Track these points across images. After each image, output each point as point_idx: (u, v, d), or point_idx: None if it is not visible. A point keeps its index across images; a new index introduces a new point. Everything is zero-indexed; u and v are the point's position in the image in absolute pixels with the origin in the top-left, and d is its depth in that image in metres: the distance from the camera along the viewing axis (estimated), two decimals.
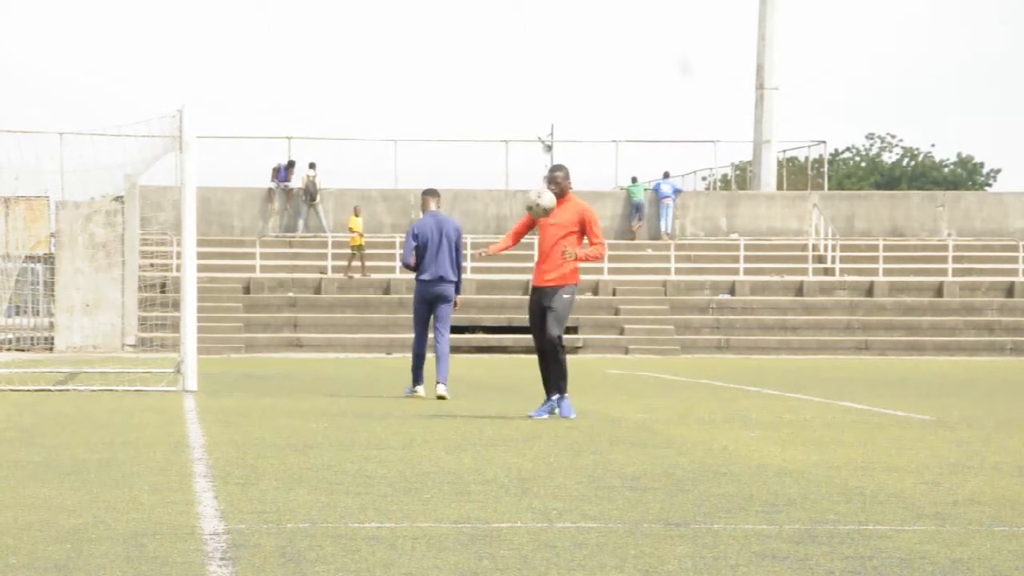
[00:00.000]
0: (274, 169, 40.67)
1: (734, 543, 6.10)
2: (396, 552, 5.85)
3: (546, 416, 12.71)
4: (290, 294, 36.72)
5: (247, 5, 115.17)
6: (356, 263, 37.61)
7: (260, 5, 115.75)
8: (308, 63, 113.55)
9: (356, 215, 38.11)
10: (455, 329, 35.49)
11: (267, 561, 5.64)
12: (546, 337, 12.54)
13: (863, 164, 77.41)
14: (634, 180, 41.62)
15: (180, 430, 11.64)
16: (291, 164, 40.57)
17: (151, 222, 36.83)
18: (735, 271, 38.26)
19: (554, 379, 12.72)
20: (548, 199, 12.48)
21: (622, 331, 35.71)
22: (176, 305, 19.14)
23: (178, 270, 22.85)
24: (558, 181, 12.61)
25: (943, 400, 16.95)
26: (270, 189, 40.55)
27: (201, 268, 24.34)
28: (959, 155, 77.27)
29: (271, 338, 34.83)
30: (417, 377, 16.06)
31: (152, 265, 36.47)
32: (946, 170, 76.36)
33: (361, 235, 37.68)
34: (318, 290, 37.06)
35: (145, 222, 36.19)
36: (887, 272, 38.01)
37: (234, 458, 9.35)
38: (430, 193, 16.15)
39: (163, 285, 34.12)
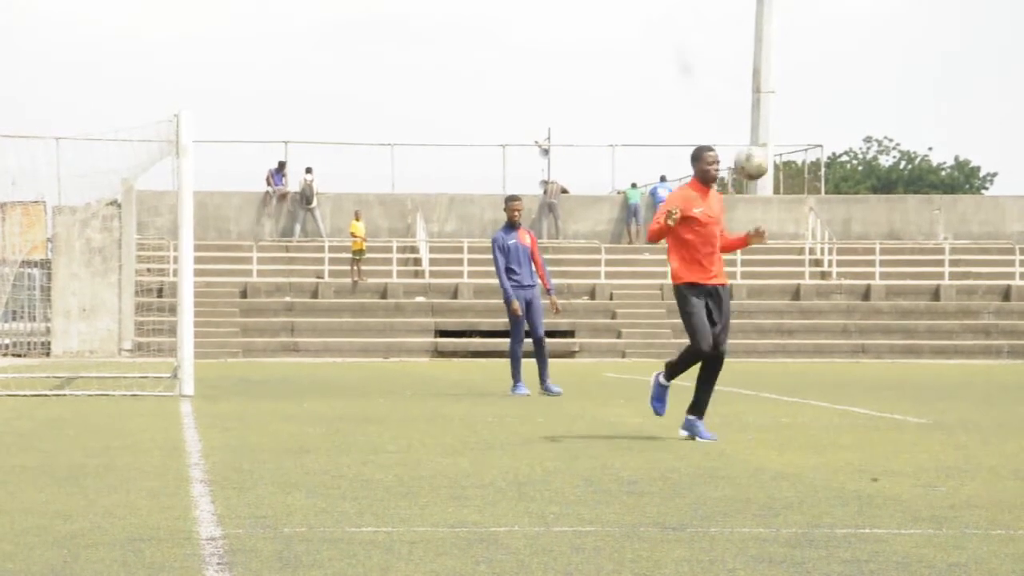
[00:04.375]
0: (269, 172, 40.69)
1: (731, 547, 6.10)
2: (393, 556, 5.85)
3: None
4: (287, 299, 36.71)
5: (243, 10, 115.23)
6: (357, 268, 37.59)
7: (256, 10, 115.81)
8: (305, 67, 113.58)
9: (357, 219, 38.11)
10: (450, 333, 35.67)
11: (264, 566, 5.64)
12: (721, 351, 10.81)
13: (860, 167, 77.45)
14: (634, 185, 41.66)
15: (177, 435, 11.63)
16: (281, 165, 40.59)
17: (148, 227, 36.81)
18: (732, 275, 38.25)
19: (706, 398, 10.98)
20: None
21: (619, 334, 35.71)
22: (173, 310, 19.12)
23: (175, 275, 22.85)
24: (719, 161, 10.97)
25: (940, 403, 16.95)
26: (267, 193, 40.55)
27: (198, 273, 24.26)
28: (956, 159, 77.34)
29: (268, 342, 34.82)
30: (516, 376, 16.95)
31: (149, 270, 36.44)
32: (943, 173, 76.41)
33: (363, 239, 37.68)
34: (315, 294, 37.05)
35: (142, 227, 36.18)
36: (884, 275, 38.00)
37: (231, 463, 9.35)
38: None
39: (160, 290, 34.12)
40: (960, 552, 6.02)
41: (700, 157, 10.89)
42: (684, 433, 10.99)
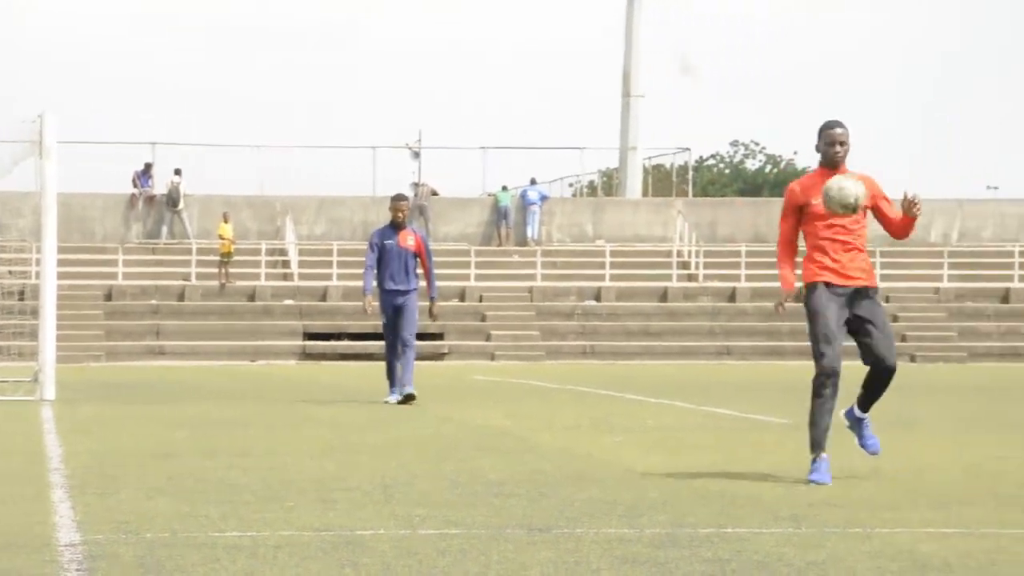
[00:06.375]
0: (135, 173, 40.21)
1: (596, 548, 6.15)
2: (258, 561, 5.81)
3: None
4: (153, 301, 36.28)
5: (109, 9, 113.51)
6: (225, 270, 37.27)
7: (122, 10, 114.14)
8: (172, 67, 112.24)
9: (225, 221, 37.79)
10: (319, 336, 35.50)
11: (126, 572, 5.57)
12: (888, 367, 8.84)
13: (727, 171, 78.47)
14: (504, 188, 41.79)
15: (37, 440, 11.43)
16: (148, 167, 40.14)
17: (9, 228, 36.13)
18: (601, 277, 38.53)
19: (871, 399, 9.07)
20: (862, 192, 8.48)
21: (488, 337, 35.78)
22: (35, 313, 18.81)
23: (37, 277, 22.45)
24: (844, 141, 8.69)
25: (801, 404, 17.16)
26: (133, 195, 40.04)
27: (61, 275, 23.78)
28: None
29: (133, 346, 34.38)
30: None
31: (11, 272, 35.76)
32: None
33: (231, 242, 37.37)
34: (182, 297, 36.66)
35: (3, 228, 35.52)
36: (749, 278, 38.50)
37: (92, 467, 9.22)
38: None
39: (21, 293, 33.45)
40: (818, 550, 6.12)
41: (821, 134, 8.74)
42: (846, 422, 9.12)
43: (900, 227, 8.72)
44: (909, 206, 8.58)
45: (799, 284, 8.76)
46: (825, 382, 8.82)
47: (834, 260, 8.61)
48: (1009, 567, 5.80)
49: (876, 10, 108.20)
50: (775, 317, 37.51)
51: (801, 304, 8.87)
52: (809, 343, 9.21)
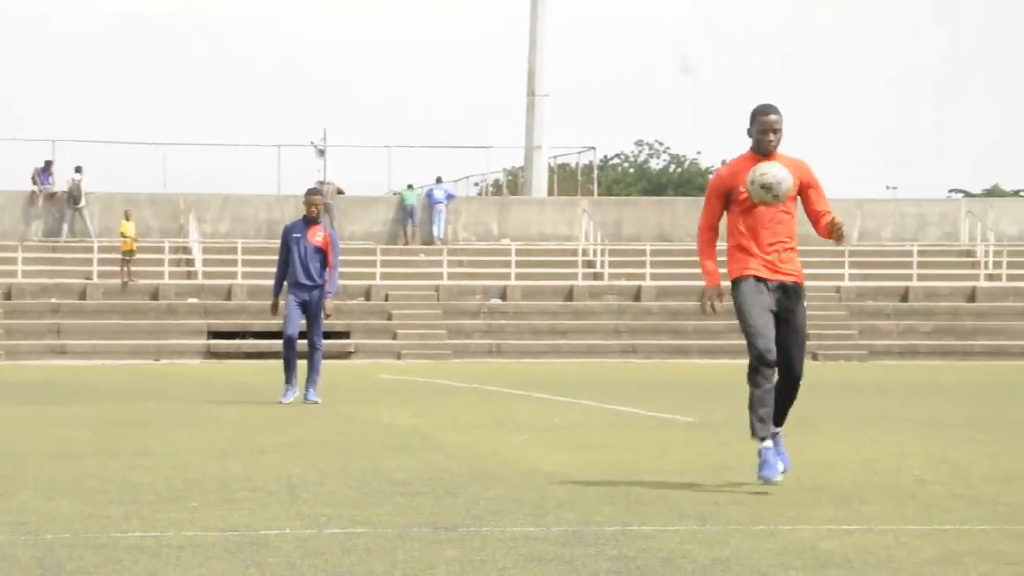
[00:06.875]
0: (35, 170, 39.69)
1: (502, 546, 6.16)
2: (161, 561, 5.76)
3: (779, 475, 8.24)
4: (53, 300, 35.82)
5: (7, 6, 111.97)
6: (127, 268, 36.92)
7: (21, 6, 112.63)
8: (73, 64, 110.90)
9: (127, 219, 37.42)
10: (224, 335, 35.25)
11: (25, 573, 5.51)
12: (794, 376, 8.19)
13: (631, 170, 78.90)
14: (410, 187, 41.73)
15: None
16: (48, 164, 39.65)
17: None
18: (507, 276, 38.59)
19: (780, 414, 8.28)
20: (787, 179, 8.09)
21: (395, 336, 35.72)
22: None
23: None
24: (777, 129, 8.19)
25: (706, 402, 17.34)
26: (33, 192, 39.52)
27: None
28: (723, 162, 79.28)
29: (33, 345, 33.93)
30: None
31: None
32: (711, 176, 78.25)
33: (134, 240, 37.01)
34: (83, 296, 36.23)
35: None
36: (654, 276, 38.75)
37: None
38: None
39: None
40: (722, 547, 6.18)
41: (754, 119, 8.21)
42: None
43: (824, 228, 8.27)
44: (833, 230, 8.20)
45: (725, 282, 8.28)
46: (762, 372, 8.09)
47: (761, 252, 8.14)
48: (906, 563, 5.89)
49: (773, 7, 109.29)
50: (680, 316, 37.83)
51: (727, 302, 8.51)
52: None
